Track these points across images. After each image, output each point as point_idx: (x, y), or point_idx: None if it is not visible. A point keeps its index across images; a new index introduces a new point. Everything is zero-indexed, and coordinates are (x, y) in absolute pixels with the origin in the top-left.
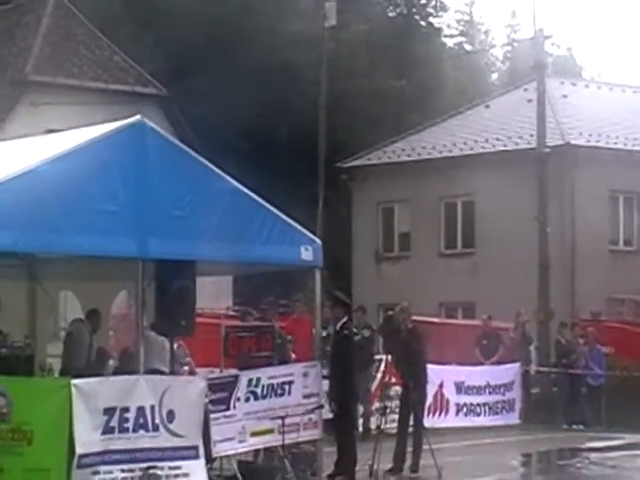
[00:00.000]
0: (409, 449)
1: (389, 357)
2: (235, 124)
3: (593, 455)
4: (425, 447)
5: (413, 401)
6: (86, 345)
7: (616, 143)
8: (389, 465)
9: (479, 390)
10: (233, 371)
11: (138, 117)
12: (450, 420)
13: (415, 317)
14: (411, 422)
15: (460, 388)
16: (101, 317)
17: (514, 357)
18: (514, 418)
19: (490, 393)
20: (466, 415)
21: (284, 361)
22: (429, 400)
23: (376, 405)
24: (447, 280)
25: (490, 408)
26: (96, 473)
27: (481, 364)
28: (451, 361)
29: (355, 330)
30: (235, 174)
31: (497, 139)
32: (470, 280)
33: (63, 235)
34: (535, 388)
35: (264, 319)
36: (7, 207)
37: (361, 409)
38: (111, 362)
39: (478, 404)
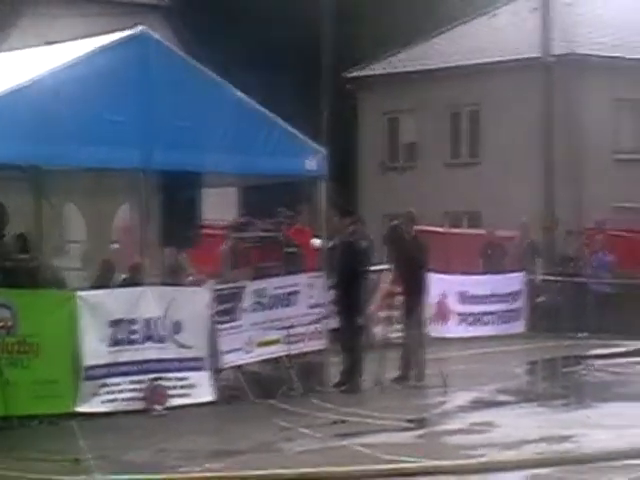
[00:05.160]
0: (414, 358)
1: (394, 266)
2: (240, 34)
3: (597, 362)
4: (430, 356)
5: (416, 310)
6: None
7: (621, 51)
8: (395, 374)
9: (483, 299)
10: (239, 282)
11: (142, 28)
12: (454, 330)
13: (420, 227)
14: (415, 331)
15: (464, 298)
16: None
17: (519, 266)
18: (520, 327)
19: (495, 302)
20: (471, 325)
21: (300, 271)
22: (433, 310)
23: (381, 315)
24: (453, 190)
25: (496, 317)
26: (104, 385)
27: (485, 273)
28: (456, 271)
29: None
30: (240, 85)
31: (503, 48)
32: (476, 189)
33: (68, 146)
34: (540, 297)
35: (272, 230)
36: (11, 118)
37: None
38: (122, 276)
39: (482, 313)
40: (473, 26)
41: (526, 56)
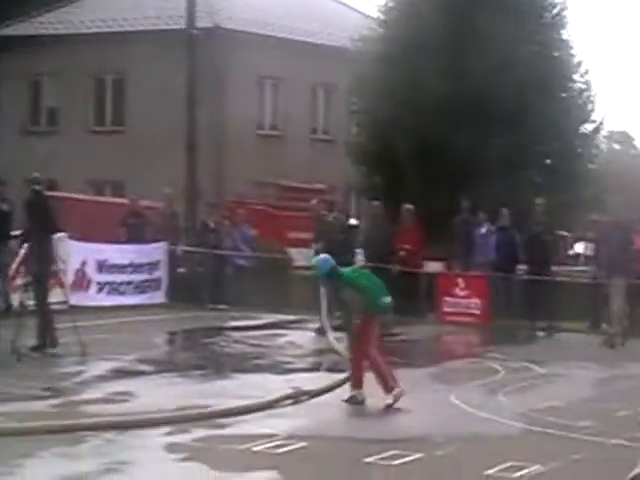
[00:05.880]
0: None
1: (29, 232)
2: None
3: (236, 334)
4: (69, 324)
5: (45, 277)
6: None
7: (267, 29)
8: (33, 342)
9: (122, 269)
10: None
11: None
12: (94, 298)
13: (61, 193)
14: (54, 300)
15: (102, 266)
16: None
17: (161, 237)
18: (160, 297)
19: (134, 272)
20: (109, 294)
21: None
22: (73, 278)
23: (19, 281)
24: (96, 157)
25: (135, 287)
26: None
27: (127, 243)
28: (97, 239)
29: None
30: None
31: (149, 17)
32: (120, 158)
33: None
34: (181, 268)
35: None
36: None
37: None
38: None
39: (121, 282)
40: None
41: (171, 27)
